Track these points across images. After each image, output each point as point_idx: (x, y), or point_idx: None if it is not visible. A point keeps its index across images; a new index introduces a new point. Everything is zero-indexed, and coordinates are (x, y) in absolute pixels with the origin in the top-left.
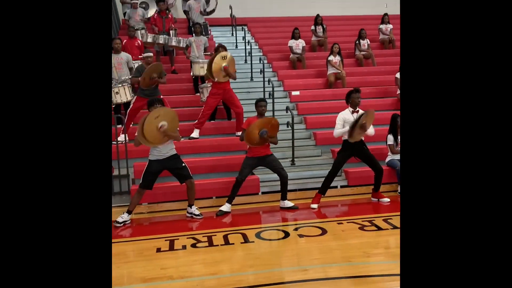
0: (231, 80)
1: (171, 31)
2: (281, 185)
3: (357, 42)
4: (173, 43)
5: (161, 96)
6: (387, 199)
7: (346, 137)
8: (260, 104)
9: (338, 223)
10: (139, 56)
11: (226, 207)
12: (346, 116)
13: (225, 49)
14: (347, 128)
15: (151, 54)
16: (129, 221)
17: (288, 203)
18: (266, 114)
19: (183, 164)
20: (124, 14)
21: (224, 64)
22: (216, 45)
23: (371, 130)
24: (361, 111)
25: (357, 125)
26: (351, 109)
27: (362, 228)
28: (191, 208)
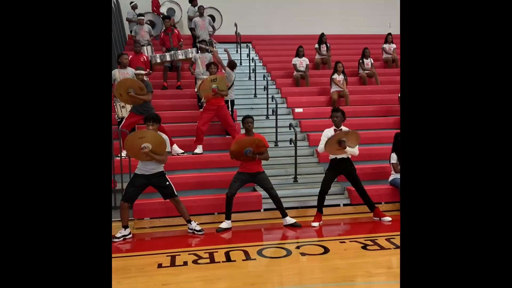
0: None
1: (178, 46)
2: (274, 204)
3: (360, 61)
4: (180, 57)
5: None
6: (389, 218)
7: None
8: (246, 120)
9: (341, 242)
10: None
11: (225, 224)
12: (329, 134)
13: (217, 67)
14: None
15: (142, 72)
16: (130, 234)
17: (290, 220)
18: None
19: (167, 183)
20: (131, 31)
21: (213, 87)
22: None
23: (354, 150)
24: (344, 128)
25: (333, 139)
26: (334, 128)
27: (364, 247)
28: (191, 224)
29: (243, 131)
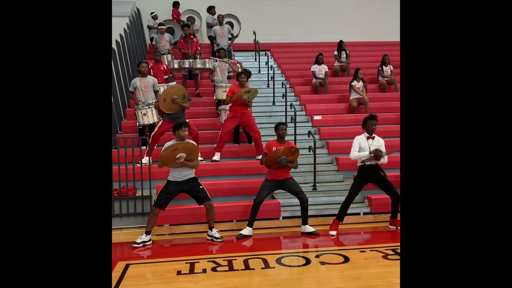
0: (253, 104)
1: (197, 55)
2: (301, 209)
3: (380, 68)
4: (199, 66)
5: (187, 120)
6: None
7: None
8: (280, 127)
9: (361, 251)
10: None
11: (246, 231)
12: (361, 141)
13: (247, 76)
14: (363, 153)
15: (174, 83)
16: (150, 241)
17: (309, 228)
18: (287, 138)
19: (201, 187)
20: (151, 39)
21: (244, 97)
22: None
23: (385, 159)
24: (377, 138)
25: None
26: (366, 135)
27: (385, 256)
28: (211, 231)
29: (271, 137)
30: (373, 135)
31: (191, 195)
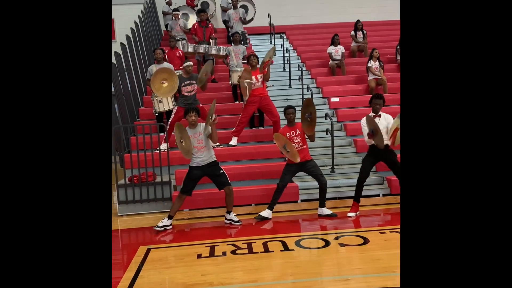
0: (269, 87)
1: (211, 40)
2: (319, 191)
3: (398, 47)
4: (213, 52)
5: (201, 105)
6: None
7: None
8: (288, 111)
9: (381, 232)
10: (180, 67)
11: (266, 213)
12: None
13: (257, 57)
14: (369, 142)
15: (191, 63)
16: (171, 226)
17: (327, 211)
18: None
19: (221, 171)
20: (166, 26)
21: (267, 59)
22: (247, 54)
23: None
24: (384, 115)
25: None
26: (372, 114)
27: None
28: (229, 214)
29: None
30: (380, 113)
31: (212, 180)
